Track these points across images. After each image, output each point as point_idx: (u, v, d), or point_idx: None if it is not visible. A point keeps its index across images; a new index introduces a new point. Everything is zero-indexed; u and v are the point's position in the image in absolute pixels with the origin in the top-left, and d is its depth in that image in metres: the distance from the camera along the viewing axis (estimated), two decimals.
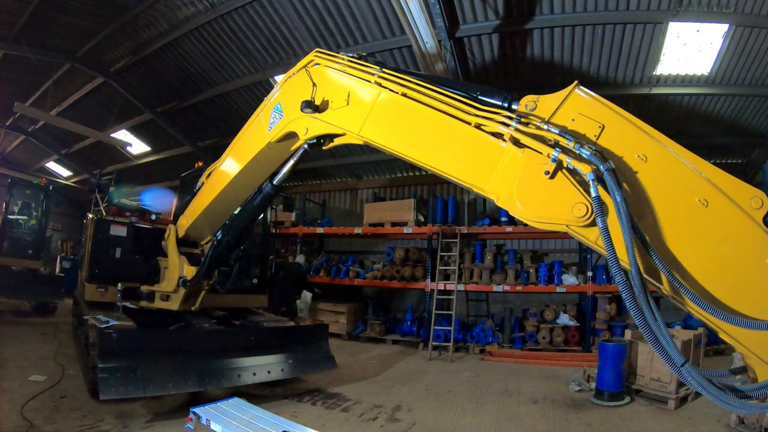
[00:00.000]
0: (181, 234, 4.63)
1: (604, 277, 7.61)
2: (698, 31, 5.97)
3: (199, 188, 4.37)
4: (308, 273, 9.60)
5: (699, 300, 1.88)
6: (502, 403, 4.89)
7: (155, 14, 7.74)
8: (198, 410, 2.92)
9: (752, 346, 1.91)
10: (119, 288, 4.85)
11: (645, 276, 1.96)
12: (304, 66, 3.19)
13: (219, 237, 4.32)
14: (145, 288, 4.79)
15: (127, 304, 4.85)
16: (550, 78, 7.13)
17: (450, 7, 6.16)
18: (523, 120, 2.26)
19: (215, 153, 4.35)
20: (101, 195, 6.59)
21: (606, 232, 1.94)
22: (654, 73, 6.86)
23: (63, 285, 9.33)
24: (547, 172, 2.09)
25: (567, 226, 2.10)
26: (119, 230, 5.84)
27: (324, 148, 3.27)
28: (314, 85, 3.07)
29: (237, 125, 3.87)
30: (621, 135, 2.12)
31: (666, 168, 2.05)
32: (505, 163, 2.26)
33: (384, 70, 2.81)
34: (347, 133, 2.94)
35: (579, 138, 2.12)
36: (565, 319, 7.67)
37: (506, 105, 2.42)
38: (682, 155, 2.03)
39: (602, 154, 2.03)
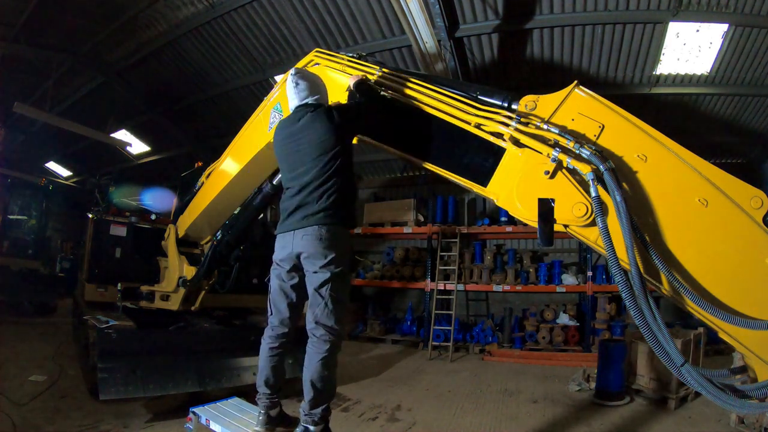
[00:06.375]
0: (180, 234, 4.63)
1: (603, 276, 7.60)
2: (698, 31, 5.96)
3: (199, 188, 4.37)
4: None
5: (699, 300, 1.88)
6: (502, 402, 4.88)
7: (155, 14, 7.73)
8: (198, 410, 2.93)
9: (752, 346, 1.91)
10: (119, 288, 4.86)
11: (645, 276, 1.96)
12: (304, 66, 3.19)
13: (219, 237, 4.32)
14: (144, 288, 4.79)
15: (127, 304, 4.85)
16: (550, 78, 7.11)
17: (450, 6, 6.14)
18: (522, 120, 2.26)
19: (215, 153, 4.33)
20: (101, 195, 6.60)
21: (606, 232, 1.94)
22: (654, 72, 6.84)
23: (63, 285, 9.34)
24: (546, 172, 2.09)
25: (567, 226, 2.10)
26: (119, 230, 5.85)
27: None
28: None
29: (237, 125, 3.86)
30: (621, 135, 2.12)
31: (666, 168, 2.05)
32: (504, 163, 2.27)
33: (384, 69, 2.80)
34: None
35: (579, 138, 2.12)
36: (564, 318, 7.66)
37: (506, 105, 2.42)
38: (682, 155, 2.03)
39: (602, 153, 2.03)
